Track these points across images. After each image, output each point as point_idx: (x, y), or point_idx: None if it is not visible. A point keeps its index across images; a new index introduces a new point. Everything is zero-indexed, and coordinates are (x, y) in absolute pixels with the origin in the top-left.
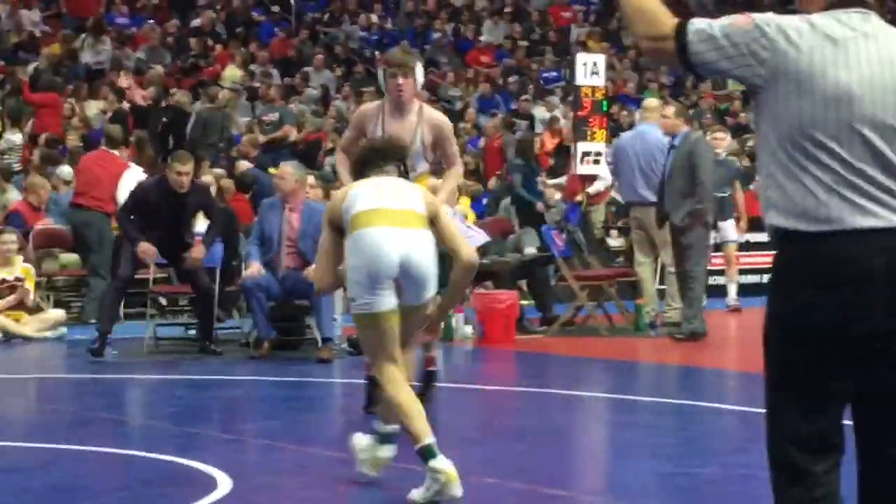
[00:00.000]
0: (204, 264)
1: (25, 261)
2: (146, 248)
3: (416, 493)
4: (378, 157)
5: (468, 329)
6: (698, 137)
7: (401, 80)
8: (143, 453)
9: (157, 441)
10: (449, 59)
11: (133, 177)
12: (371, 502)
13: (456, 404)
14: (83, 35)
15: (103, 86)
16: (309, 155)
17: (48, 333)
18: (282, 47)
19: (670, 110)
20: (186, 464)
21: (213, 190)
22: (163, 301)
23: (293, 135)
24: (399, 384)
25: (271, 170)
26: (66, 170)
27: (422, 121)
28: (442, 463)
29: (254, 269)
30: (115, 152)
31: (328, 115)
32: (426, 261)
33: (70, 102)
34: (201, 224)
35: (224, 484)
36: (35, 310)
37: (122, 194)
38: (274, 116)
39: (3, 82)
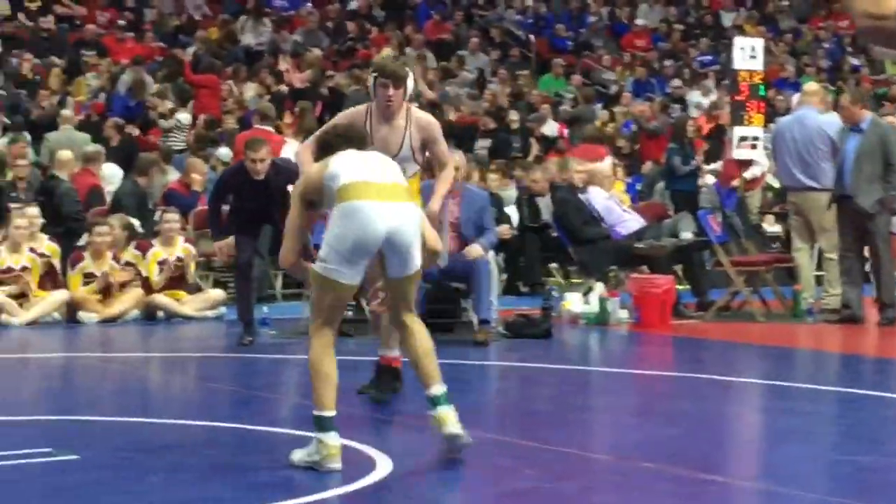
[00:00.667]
0: None
1: (186, 241)
2: (221, 247)
3: (297, 454)
4: (342, 140)
5: (624, 313)
6: (887, 123)
7: (391, 92)
8: (301, 433)
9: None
10: (604, 43)
11: (290, 151)
12: (532, 482)
13: (611, 388)
14: (243, 17)
15: (262, 68)
16: (464, 138)
17: (208, 313)
18: (437, 30)
19: (846, 98)
20: (344, 444)
21: None
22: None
23: None
24: (327, 350)
25: None
26: (224, 151)
27: (409, 124)
28: (332, 439)
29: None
30: (269, 128)
31: (483, 99)
32: (411, 233)
33: (228, 84)
34: None
35: (383, 465)
36: (195, 289)
37: None
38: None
39: (164, 64)
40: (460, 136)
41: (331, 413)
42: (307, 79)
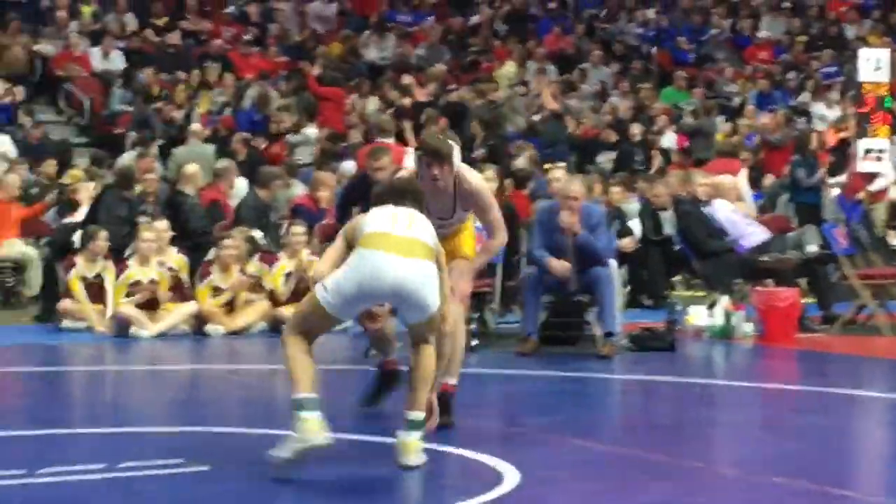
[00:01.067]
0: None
1: (311, 254)
2: None
3: (278, 450)
4: (395, 195)
5: (748, 327)
6: None
7: (435, 171)
8: (429, 445)
9: (442, 434)
10: (726, 55)
11: (411, 160)
12: (661, 496)
13: (737, 402)
14: (366, 32)
15: (385, 82)
16: (586, 151)
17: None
18: (559, 43)
19: None
20: (472, 456)
21: (493, 186)
22: None
23: None
24: (297, 344)
25: (546, 166)
26: (348, 165)
27: (458, 189)
28: (311, 415)
29: (556, 265)
30: (389, 141)
31: (604, 112)
32: (420, 288)
33: (351, 99)
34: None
35: (511, 477)
36: None
37: None
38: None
39: (289, 78)
40: (582, 148)
41: (307, 394)
42: (430, 93)
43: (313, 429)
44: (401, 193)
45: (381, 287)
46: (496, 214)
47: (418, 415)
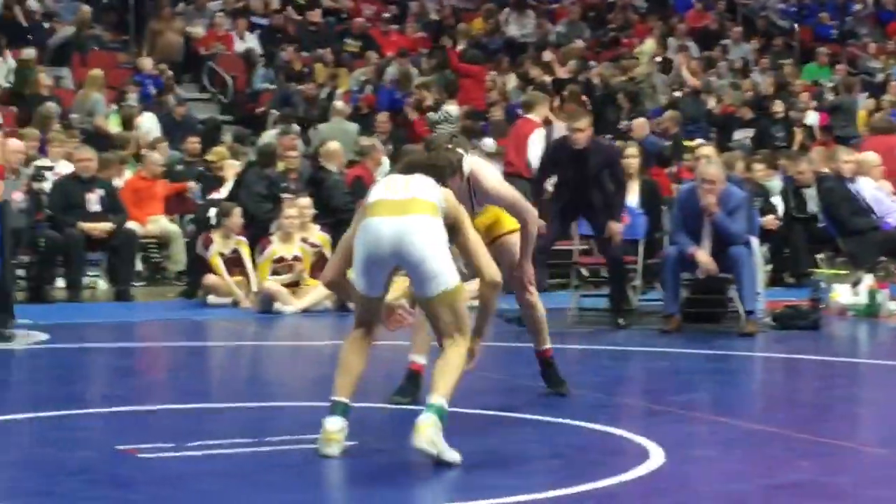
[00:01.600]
0: (627, 236)
1: None
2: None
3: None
4: (404, 167)
5: (893, 305)
6: None
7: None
8: (575, 422)
9: (587, 410)
10: (869, 31)
11: (538, 137)
12: (807, 474)
13: (882, 381)
14: (506, 10)
15: (525, 60)
16: (725, 127)
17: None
18: (700, 19)
19: None
20: (618, 433)
21: (634, 163)
22: (584, 272)
23: None
24: (353, 344)
25: (686, 143)
26: (489, 142)
27: (473, 193)
28: (329, 424)
29: (702, 258)
30: (533, 117)
31: (745, 88)
32: (421, 243)
33: (492, 76)
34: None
35: (657, 455)
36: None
37: (532, 153)
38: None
39: (430, 55)
40: (721, 125)
41: (338, 398)
42: (570, 70)
43: (327, 441)
44: (410, 166)
45: (382, 250)
46: (520, 203)
47: (437, 399)
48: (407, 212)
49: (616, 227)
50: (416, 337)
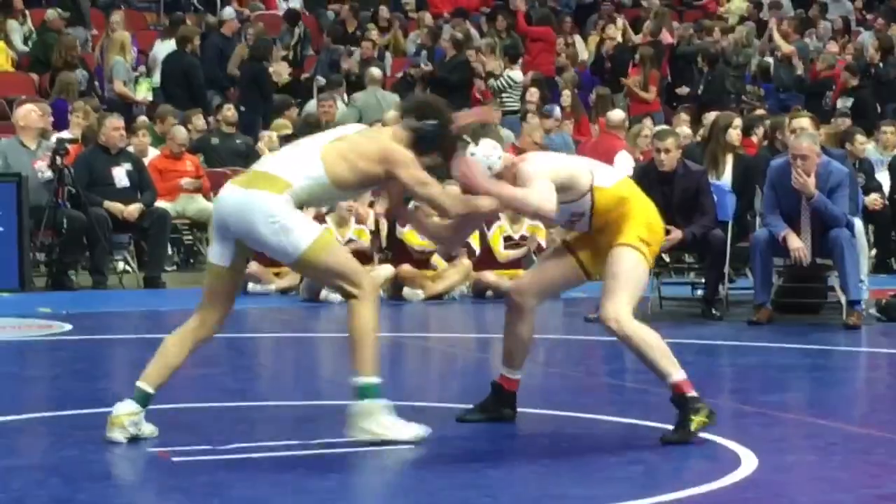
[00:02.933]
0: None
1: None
2: None
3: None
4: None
5: None
6: None
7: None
8: (657, 424)
9: (670, 412)
10: None
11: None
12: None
13: None
14: None
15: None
16: (816, 94)
17: None
18: None
19: None
20: (705, 437)
21: (734, 135)
22: (666, 258)
23: None
24: (181, 334)
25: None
26: (556, 110)
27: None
28: (117, 407)
29: (793, 242)
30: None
31: (846, 52)
32: (233, 216)
33: (562, 39)
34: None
35: (749, 461)
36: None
37: None
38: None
39: (490, 16)
40: (814, 92)
41: (140, 383)
42: (648, 31)
43: (110, 421)
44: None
45: (216, 220)
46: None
47: (359, 381)
48: (246, 185)
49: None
50: (511, 346)
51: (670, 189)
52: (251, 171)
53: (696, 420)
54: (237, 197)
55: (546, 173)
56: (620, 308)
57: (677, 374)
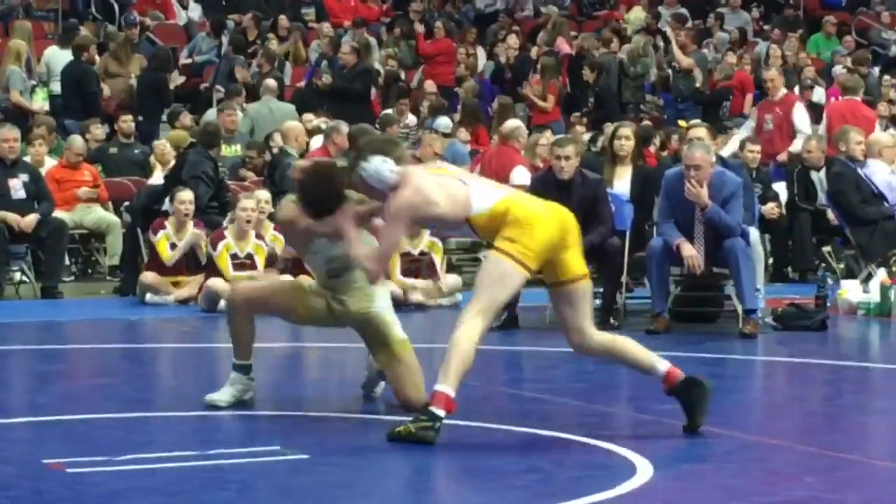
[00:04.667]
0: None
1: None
2: None
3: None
4: None
5: None
6: None
7: None
8: (553, 433)
9: (567, 420)
10: None
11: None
12: (811, 490)
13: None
14: None
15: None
16: (713, 105)
17: (443, 301)
18: None
19: None
20: (601, 446)
21: (627, 146)
22: None
23: None
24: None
25: (681, 122)
26: (443, 122)
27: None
28: None
29: (687, 251)
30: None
31: (743, 63)
32: None
33: (464, 49)
34: None
35: (644, 470)
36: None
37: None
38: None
39: (391, 25)
40: (710, 102)
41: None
42: (544, 41)
43: None
44: None
45: None
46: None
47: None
48: None
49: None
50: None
51: (568, 197)
52: None
53: None
54: None
55: (415, 208)
56: (465, 317)
57: (451, 391)
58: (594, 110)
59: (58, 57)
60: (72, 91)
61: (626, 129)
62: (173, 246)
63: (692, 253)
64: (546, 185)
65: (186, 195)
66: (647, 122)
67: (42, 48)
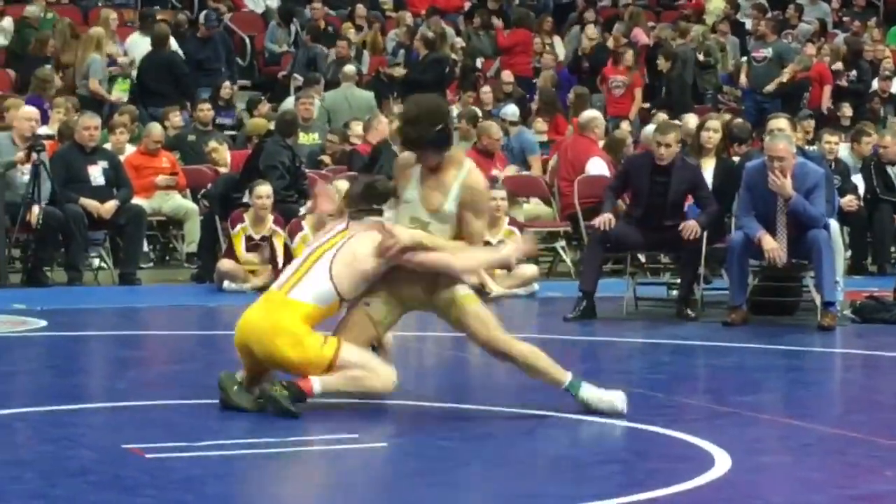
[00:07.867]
0: (689, 216)
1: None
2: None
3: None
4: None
5: None
6: None
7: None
8: (632, 424)
9: (645, 411)
10: None
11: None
12: (892, 485)
13: None
14: None
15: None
16: (792, 96)
17: (519, 291)
18: None
19: None
20: (679, 437)
21: (714, 138)
22: (642, 258)
23: None
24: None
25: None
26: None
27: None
28: None
29: (768, 243)
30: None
31: (822, 54)
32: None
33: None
34: None
35: (722, 461)
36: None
37: None
38: (766, 52)
39: (469, 13)
40: (790, 95)
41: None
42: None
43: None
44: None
45: None
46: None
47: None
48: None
49: (692, 224)
50: None
51: (667, 181)
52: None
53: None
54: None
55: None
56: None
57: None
58: (668, 99)
59: (139, 44)
60: (160, 77)
61: (715, 122)
62: (249, 239)
63: (774, 245)
64: (641, 168)
65: (264, 189)
66: (741, 121)
67: (123, 36)
